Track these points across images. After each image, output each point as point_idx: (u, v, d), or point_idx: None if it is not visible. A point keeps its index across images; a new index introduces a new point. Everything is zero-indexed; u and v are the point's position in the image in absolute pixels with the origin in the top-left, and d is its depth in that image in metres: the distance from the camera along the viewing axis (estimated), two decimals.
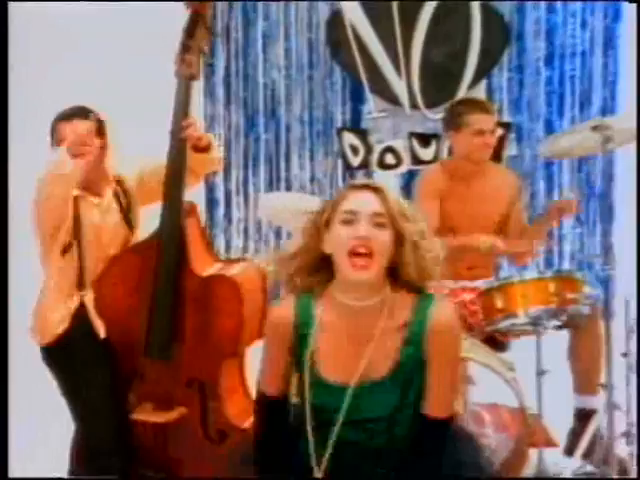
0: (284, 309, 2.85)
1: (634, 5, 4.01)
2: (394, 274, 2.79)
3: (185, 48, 3.97)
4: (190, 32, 4.01)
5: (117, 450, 3.94)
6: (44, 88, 5.77)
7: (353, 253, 2.67)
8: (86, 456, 4.02)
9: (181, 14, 5.30)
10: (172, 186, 3.88)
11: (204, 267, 3.80)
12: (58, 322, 3.92)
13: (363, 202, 2.68)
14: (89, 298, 3.85)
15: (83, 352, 4.00)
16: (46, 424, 4.36)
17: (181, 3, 4.33)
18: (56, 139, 3.96)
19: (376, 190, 2.74)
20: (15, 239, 4.14)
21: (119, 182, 4.09)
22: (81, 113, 4.00)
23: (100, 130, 3.97)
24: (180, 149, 3.88)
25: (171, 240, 3.80)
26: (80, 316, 3.90)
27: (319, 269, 2.84)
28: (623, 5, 5.84)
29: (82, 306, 3.92)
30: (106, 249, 3.90)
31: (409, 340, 2.74)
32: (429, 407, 2.68)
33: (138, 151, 4.51)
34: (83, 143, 3.87)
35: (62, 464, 3.89)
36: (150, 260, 3.79)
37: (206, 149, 4.01)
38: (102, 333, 3.83)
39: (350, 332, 2.81)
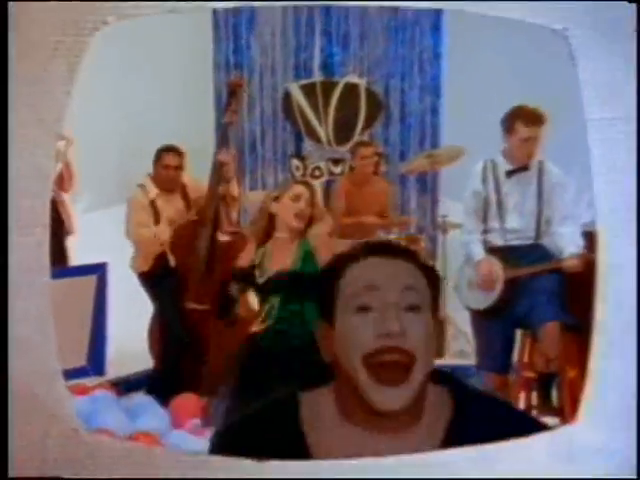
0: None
1: (634, 5, 4.50)
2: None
3: (226, 107, 5.58)
4: (228, 101, 5.58)
5: (180, 328, 5.32)
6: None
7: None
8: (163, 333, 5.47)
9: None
10: (212, 180, 5.36)
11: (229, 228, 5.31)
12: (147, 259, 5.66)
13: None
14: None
15: (163, 278, 5.52)
16: None
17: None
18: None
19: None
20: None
21: (183, 186, 5.76)
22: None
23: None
24: (218, 172, 5.35)
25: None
26: (162, 258, 5.56)
27: (269, 229, 4.07)
28: (441, 89, 7.55)
29: (163, 253, 5.56)
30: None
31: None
32: None
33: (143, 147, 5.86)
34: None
35: None
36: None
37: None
38: (173, 263, 5.46)
39: (282, 247, 4.07)
